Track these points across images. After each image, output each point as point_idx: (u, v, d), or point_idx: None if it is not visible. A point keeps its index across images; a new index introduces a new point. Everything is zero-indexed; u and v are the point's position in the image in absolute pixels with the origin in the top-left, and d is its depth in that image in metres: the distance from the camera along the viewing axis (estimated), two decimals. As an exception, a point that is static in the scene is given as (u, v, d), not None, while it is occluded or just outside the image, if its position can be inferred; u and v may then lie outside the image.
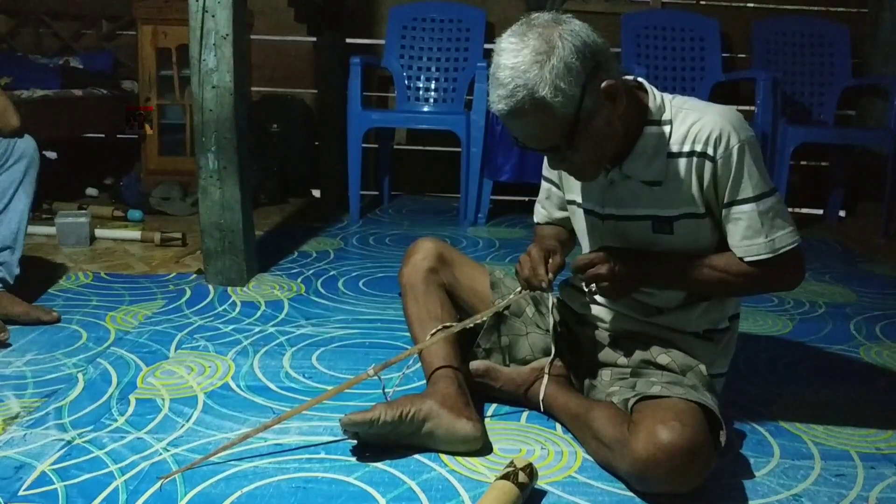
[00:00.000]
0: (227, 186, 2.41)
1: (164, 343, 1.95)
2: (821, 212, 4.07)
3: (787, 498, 1.34)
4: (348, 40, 4.03)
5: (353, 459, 1.41)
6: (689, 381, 1.42)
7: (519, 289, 1.53)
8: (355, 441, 1.43)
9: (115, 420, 1.53)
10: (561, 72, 1.22)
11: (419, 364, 1.61)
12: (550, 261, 1.47)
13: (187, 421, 1.54)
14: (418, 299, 1.65)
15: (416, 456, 1.42)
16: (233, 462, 1.38)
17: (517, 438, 1.52)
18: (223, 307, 2.25)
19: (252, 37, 3.81)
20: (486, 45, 3.82)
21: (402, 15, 3.92)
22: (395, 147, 4.17)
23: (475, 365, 1.63)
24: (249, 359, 1.87)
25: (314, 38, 4.01)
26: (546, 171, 1.65)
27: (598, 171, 1.40)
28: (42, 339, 1.95)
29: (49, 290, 2.34)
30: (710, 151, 1.35)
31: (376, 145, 4.00)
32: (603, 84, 1.27)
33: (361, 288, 2.51)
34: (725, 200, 1.38)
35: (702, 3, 4.20)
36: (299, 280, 2.56)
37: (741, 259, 1.39)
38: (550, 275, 1.46)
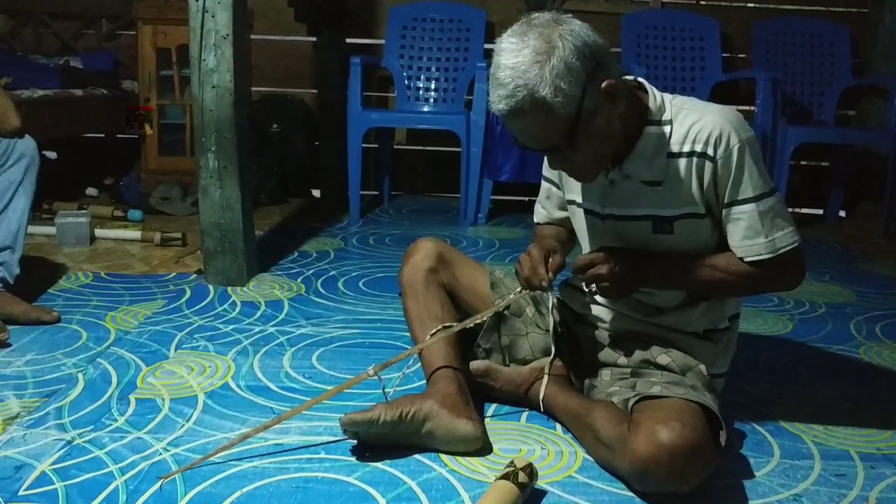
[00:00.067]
0: (227, 186, 2.41)
1: (164, 343, 1.95)
2: (821, 212, 4.07)
3: (788, 498, 1.34)
4: (348, 40, 4.03)
5: (353, 459, 1.41)
6: (689, 380, 1.42)
7: (519, 288, 1.53)
8: (355, 441, 1.43)
9: (116, 420, 1.53)
10: (561, 72, 1.22)
11: (419, 364, 1.61)
12: (550, 260, 1.47)
13: (187, 421, 1.54)
14: (418, 299, 1.65)
15: (417, 456, 1.42)
16: (233, 462, 1.38)
17: (517, 438, 1.52)
18: (223, 307, 2.25)
19: (252, 37, 3.81)
20: (486, 45, 3.82)
21: (402, 15, 3.92)
22: (395, 147, 4.17)
23: (475, 365, 1.63)
24: (249, 359, 1.87)
25: (314, 38, 4.01)
26: (546, 170, 1.65)
27: (599, 172, 1.40)
28: (42, 339, 1.95)
29: (49, 290, 2.34)
30: (710, 151, 1.35)
31: (376, 145, 4.00)
32: (603, 84, 1.27)
33: (361, 288, 2.51)
34: (725, 200, 1.38)
35: (702, 3, 4.20)
36: (299, 280, 2.56)
37: (741, 259, 1.39)
38: (550, 274, 1.46)
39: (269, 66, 4.13)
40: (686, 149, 1.37)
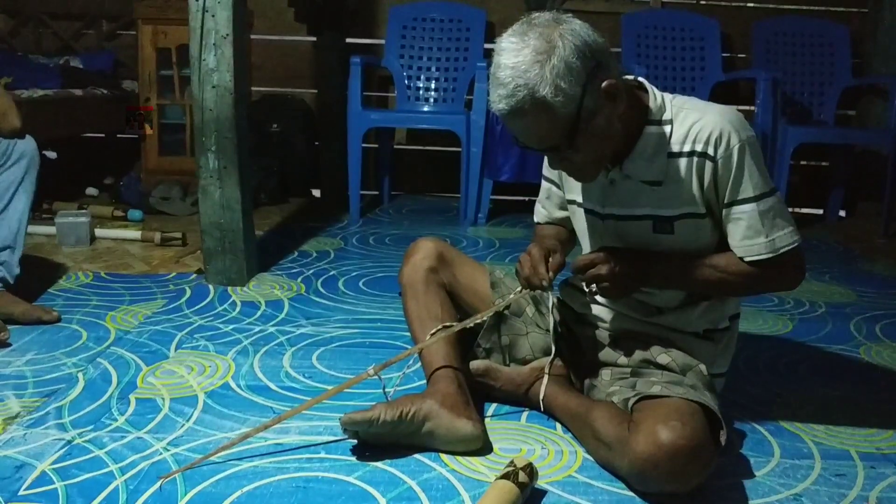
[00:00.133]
0: (227, 186, 2.41)
1: (165, 343, 1.95)
2: (821, 212, 4.07)
3: (788, 497, 1.34)
4: (348, 40, 4.03)
5: (354, 459, 1.41)
6: (689, 380, 1.42)
7: (519, 288, 1.53)
8: (355, 441, 1.44)
9: (116, 420, 1.53)
10: (561, 71, 1.22)
11: (419, 364, 1.61)
12: (551, 260, 1.47)
13: (187, 420, 1.54)
14: (418, 299, 1.65)
15: (417, 455, 1.42)
16: (233, 462, 1.38)
17: (517, 438, 1.52)
18: (223, 307, 2.25)
19: (252, 37, 3.81)
20: (487, 45, 3.83)
21: (402, 15, 3.92)
22: (395, 147, 4.17)
23: (475, 364, 1.63)
24: (249, 358, 1.87)
25: (314, 38, 4.01)
26: (546, 170, 1.65)
27: (599, 171, 1.40)
28: (42, 338, 1.95)
29: (49, 290, 2.34)
30: (710, 151, 1.35)
31: (376, 145, 4.00)
32: (603, 84, 1.27)
33: (361, 288, 2.51)
34: (726, 200, 1.38)
35: (702, 3, 4.20)
36: (299, 280, 2.56)
37: (741, 259, 1.39)
38: (551, 274, 1.46)
39: (269, 66, 4.14)
40: (686, 148, 1.37)
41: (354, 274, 2.67)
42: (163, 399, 1.63)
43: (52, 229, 2.91)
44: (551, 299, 1.60)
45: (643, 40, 3.90)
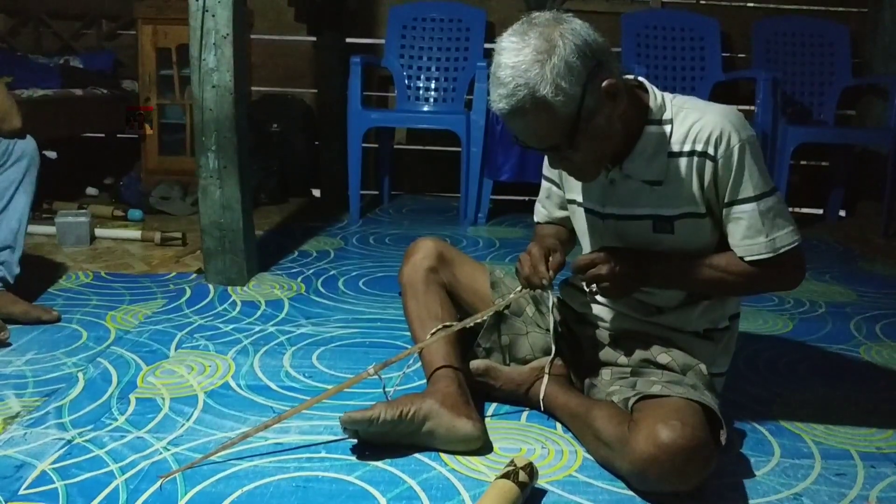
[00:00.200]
0: (227, 186, 2.41)
1: (165, 342, 1.95)
2: (821, 212, 4.07)
3: (788, 497, 1.34)
4: (348, 40, 4.03)
5: (354, 458, 1.41)
6: (689, 380, 1.42)
7: (519, 288, 1.53)
8: (355, 440, 1.43)
9: (116, 419, 1.53)
10: (562, 71, 1.22)
11: (419, 363, 1.61)
12: (551, 259, 1.47)
13: (187, 420, 1.54)
14: (418, 298, 1.65)
15: (417, 455, 1.42)
16: (233, 461, 1.38)
17: (517, 437, 1.52)
18: (223, 306, 2.25)
19: (252, 37, 3.81)
20: (487, 45, 3.82)
21: (402, 15, 3.92)
22: (395, 147, 4.17)
23: (475, 364, 1.63)
24: (250, 358, 1.87)
25: (314, 38, 4.01)
26: (546, 170, 1.65)
27: (599, 171, 1.40)
28: (42, 338, 1.95)
29: (49, 290, 2.34)
30: (710, 151, 1.35)
31: (376, 145, 4.00)
32: (604, 83, 1.27)
33: (361, 287, 2.51)
34: (726, 200, 1.38)
35: (702, 3, 4.20)
36: (299, 279, 2.56)
37: (742, 258, 1.39)
38: (551, 273, 1.46)
39: (269, 66, 4.13)
40: (686, 148, 1.37)
41: (354, 274, 2.67)
42: (163, 399, 1.63)
43: (52, 229, 2.91)
44: (551, 299, 1.59)
45: (643, 40, 3.90)
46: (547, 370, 1.58)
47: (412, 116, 3.79)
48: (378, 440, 1.41)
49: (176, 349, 1.91)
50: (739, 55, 4.10)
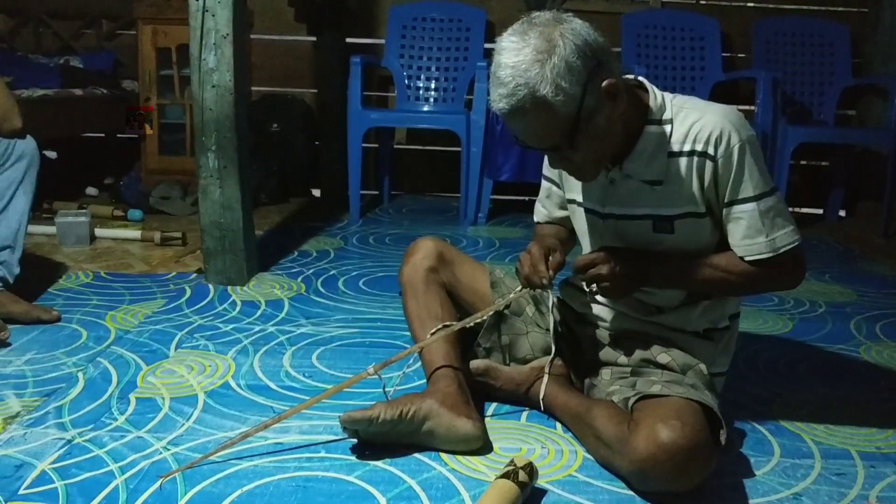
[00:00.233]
0: (227, 186, 2.41)
1: (165, 342, 1.95)
2: (821, 211, 4.07)
3: (788, 497, 1.34)
4: (348, 40, 4.03)
5: (354, 458, 1.41)
6: (689, 380, 1.42)
7: (519, 287, 1.53)
8: (355, 440, 1.43)
9: (116, 419, 1.53)
10: (562, 70, 1.22)
11: (419, 363, 1.61)
12: (551, 258, 1.47)
13: (187, 420, 1.54)
14: (418, 298, 1.65)
15: (417, 455, 1.42)
16: (233, 461, 1.38)
17: (517, 437, 1.52)
18: (223, 306, 2.25)
19: (252, 36, 3.81)
20: (487, 45, 3.82)
21: (402, 14, 3.92)
22: (396, 147, 4.17)
23: (475, 364, 1.63)
24: (249, 358, 1.87)
25: (314, 38, 4.01)
26: (546, 170, 1.65)
27: (599, 171, 1.40)
28: (42, 338, 1.95)
29: (49, 290, 2.34)
30: (710, 151, 1.35)
31: (376, 145, 4.00)
32: (604, 83, 1.27)
33: (361, 287, 2.51)
34: (726, 200, 1.38)
35: (702, 3, 4.20)
36: (299, 279, 2.56)
37: (742, 258, 1.39)
38: (551, 272, 1.46)
39: (269, 66, 4.13)
40: (686, 148, 1.37)
41: (354, 273, 2.67)
42: (163, 398, 1.63)
43: (52, 229, 2.91)
44: (551, 298, 1.60)
45: (643, 40, 3.90)
46: (547, 370, 1.58)
47: (412, 116, 3.79)
48: (378, 440, 1.41)
49: (176, 349, 1.91)
50: (739, 55, 4.10)
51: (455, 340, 1.59)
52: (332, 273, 2.66)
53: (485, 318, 1.59)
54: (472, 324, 1.58)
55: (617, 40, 3.85)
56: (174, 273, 2.56)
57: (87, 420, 1.51)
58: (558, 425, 1.56)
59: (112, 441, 1.43)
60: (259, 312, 2.21)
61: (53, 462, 1.35)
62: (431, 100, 3.89)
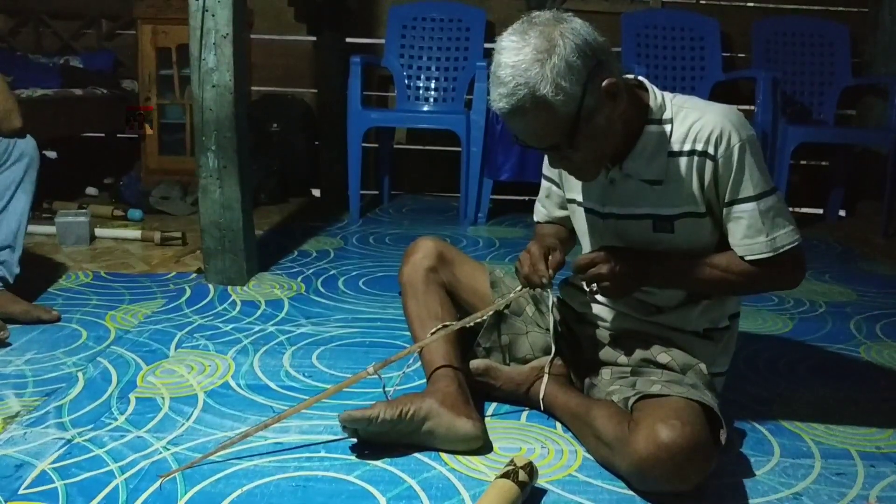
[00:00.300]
0: (227, 186, 2.41)
1: (164, 342, 1.95)
2: (821, 211, 4.07)
3: (788, 496, 1.34)
4: (348, 40, 4.03)
5: (353, 458, 1.41)
6: (689, 379, 1.42)
7: (519, 287, 1.53)
8: (355, 440, 1.43)
9: (115, 419, 1.52)
10: (562, 70, 1.22)
11: (419, 363, 1.61)
12: (550, 258, 1.47)
13: (187, 420, 1.54)
14: (418, 298, 1.65)
15: (417, 454, 1.42)
16: (233, 461, 1.38)
17: (517, 437, 1.52)
18: (223, 306, 2.25)
19: (252, 36, 3.81)
20: (487, 45, 3.82)
21: (402, 14, 3.92)
22: (395, 146, 4.17)
23: (475, 364, 1.63)
24: (249, 358, 1.87)
25: (314, 38, 4.01)
26: (546, 169, 1.65)
27: (599, 170, 1.40)
28: (42, 337, 1.95)
29: (49, 290, 2.34)
30: (710, 150, 1.35)
31: (376, 145, 4.00)
32: (604, 83, 1.27)
33: (361, 287, 2.51)
34: (726, 199, 1.38)
35: (702, 2, 4.20)
36: (299, 279, 2.56)
37: (742, 258, 1.39)
38: (551, 271, 1.46)
39: (269, 66, 4.13)
40: (687, 147, 1.37)
41: (354, 273, 2.67)
42: (163, 398, 1.63)
43: (52, 229, 2.91)
44: (551, 298, 1.60)
45: (643, 40, 3.90)
46: (547, 370, 1.58)
47: (412, 116, 3.79)
48: (378, 439, 1.41)
49: (176, 349, 1.91)
50: (739, 55, 4.10)
51: (455, 340, 1.59)
52: (331, 273, 2.66)
53: (485, 317, 1.59)
54: (471, 324, 1.58)
55: (617, 40, 3.85)
56: (174, 273, 2.56)
57: (87, 420, 1.51)
58: (558, 425, 1.56)
59: (112, 441, 1.43)
60: (259, 312, 2.21)
61: (53, 462, 1.35)
62: (431, 100, 3.89)
